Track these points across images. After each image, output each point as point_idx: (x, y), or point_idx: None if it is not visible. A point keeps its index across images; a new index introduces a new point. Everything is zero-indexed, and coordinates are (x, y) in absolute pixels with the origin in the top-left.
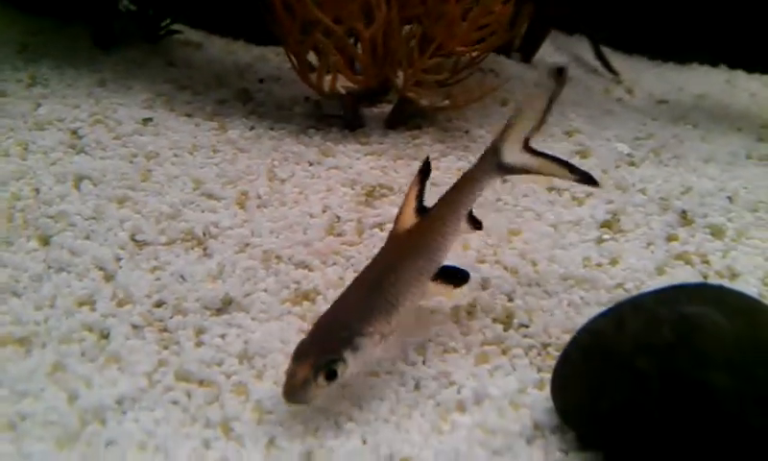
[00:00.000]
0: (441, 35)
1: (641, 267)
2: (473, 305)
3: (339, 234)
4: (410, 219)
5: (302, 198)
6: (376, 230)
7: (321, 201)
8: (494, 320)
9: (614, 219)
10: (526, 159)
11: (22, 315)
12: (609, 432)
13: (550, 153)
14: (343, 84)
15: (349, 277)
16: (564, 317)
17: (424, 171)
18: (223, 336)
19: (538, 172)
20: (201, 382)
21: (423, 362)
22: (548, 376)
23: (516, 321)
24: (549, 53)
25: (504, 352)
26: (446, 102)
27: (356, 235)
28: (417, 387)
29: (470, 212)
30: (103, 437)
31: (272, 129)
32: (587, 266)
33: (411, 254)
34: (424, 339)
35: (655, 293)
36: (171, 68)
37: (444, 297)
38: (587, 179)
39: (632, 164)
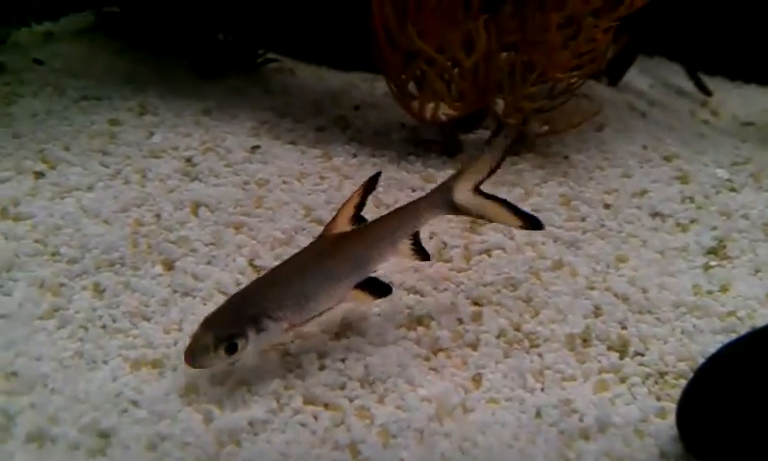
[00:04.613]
0: (542, 62)
1: (752, 294)
2: (588, 333)
3: (447, 260)
4: (344, 226)
5: None
6: (484, 255)
7: (427, 227)
8: (609, 348)
9: (720, 245)
10: (474, 201)
11: (153, 338)
12: None
13: (499, 197)
14: (442, 111)
15: (461, 302)
16: (679, 345)
17: (369, 184)
18: (343, 360)
19: (481, 215)
20: (326, 405)
21: (542, 389)
22: (668, 404)
23: (631, 349)
24: (633, 75)
25: (622, 381)
26: (545, 128)
27: (464, 261)
28: (538, 415)
29: (418, 242)
30: (240, 457)
31: (373, 156)
32: (697, 293)
33: (336, 256)
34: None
35: None
36: (269, 96)
37: (361, 304)
38: (532, 223)
39: (732, 190)
